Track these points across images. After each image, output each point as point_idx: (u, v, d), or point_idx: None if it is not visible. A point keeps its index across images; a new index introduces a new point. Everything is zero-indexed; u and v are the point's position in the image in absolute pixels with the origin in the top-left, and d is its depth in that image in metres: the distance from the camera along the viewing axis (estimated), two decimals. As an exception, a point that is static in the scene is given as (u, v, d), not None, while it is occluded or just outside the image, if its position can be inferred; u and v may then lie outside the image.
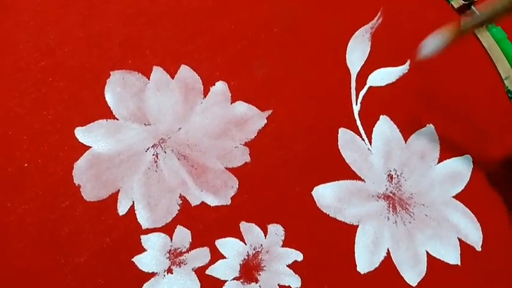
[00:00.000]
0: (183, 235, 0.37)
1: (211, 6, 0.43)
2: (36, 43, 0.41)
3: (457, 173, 0.40)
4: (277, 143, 0.40)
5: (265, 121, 0.40)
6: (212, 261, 0.37)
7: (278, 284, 0.37)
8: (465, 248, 0.39)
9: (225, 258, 0.37)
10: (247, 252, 0.38)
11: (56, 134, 0.38)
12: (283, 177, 0.39)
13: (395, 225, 0.39)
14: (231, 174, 0.39)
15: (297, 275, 0.37)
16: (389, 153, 0.41)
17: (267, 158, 0.40)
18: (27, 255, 0.36)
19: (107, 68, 0.40)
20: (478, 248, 0.39)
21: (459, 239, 0.39)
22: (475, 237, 0.39)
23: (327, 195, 0.39)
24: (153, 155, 0.39)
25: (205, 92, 0.41)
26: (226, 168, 0.39)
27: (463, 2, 0.44)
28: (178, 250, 0.37)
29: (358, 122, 0.41)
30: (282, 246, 0.38)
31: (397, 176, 0.40)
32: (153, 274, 0.36)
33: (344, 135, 0.41)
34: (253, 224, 0.38)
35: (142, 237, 0.37)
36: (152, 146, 0.39)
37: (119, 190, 0.38)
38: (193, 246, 0.37)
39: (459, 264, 0.39)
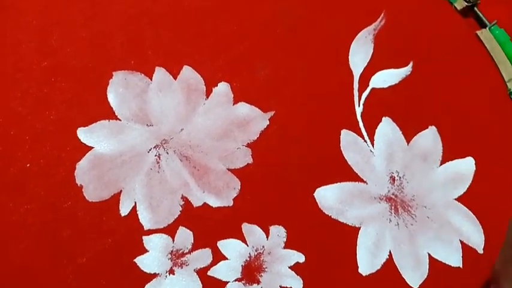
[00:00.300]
0: (185, 236, 0.37)
1: (214, 7, 0.43)
2: (38, 43, 0.41)
3: (459, 176, 0.40)
4: (279, 144, 0.40)
5: (268, 122, 0.40)
6: (214, 263, 0.37)
7: (280, 286, 0.37)
8: (467, 250, 0.39)
9: (227, 259, 0.37)
10: (249, 253, 0.38)
11: (58, 135, 0.38)
12: (285, 178, 0.39)
13: (397, 227, 0.39)
14: (233, 176, 0.39)
15: (298, 277, 0.37)
16: (392, 155, 0.41)
17: (269, 160, 0.40)
18: (28, 255, 0.36)
19: (110, 68, 0.40)
20: (480, 251, 0.39)
21: (461, 242, 0.39)
22: (477, 240, 0.39)
23: (329, 197, 0.39)
24: (156, 155, 0.39)
25: (208, 93, 0.41)
26: (228, 169, 0.39)
27: (466, 4, 0.44)
28: (180, 251, 0.37)
29: (361, 124, 0.41)
30: (284, 247, 0.38)
31: (399, 178, 0.40)
32: (155, 275, 0.36)
33: (346, 136, 0.41)
34: (255, 226, 0.38)
35: (144, 238, 0.37)
36: (154, 147, 0.39)
37: (121, 191, 0.38)
38: (195, 247, 0.37)
39: (461, 266, 0.39)
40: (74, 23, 0.41)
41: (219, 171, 0.39)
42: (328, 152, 0.40)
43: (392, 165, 0.40)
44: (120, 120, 0.39)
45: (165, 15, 0.42)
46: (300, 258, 0.38)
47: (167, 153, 0.39)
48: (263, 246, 0.38)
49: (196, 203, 0.38)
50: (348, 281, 0.38)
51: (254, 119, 0.40)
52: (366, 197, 0.40)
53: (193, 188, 0.38)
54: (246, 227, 0.38)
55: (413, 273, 0.38)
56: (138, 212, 0.37)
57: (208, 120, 0.40)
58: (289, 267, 0.37)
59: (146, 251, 0.37)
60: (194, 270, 0.37)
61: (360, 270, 0.38)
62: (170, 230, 0.37)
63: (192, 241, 0.37)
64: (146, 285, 0.36)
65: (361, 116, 0.41)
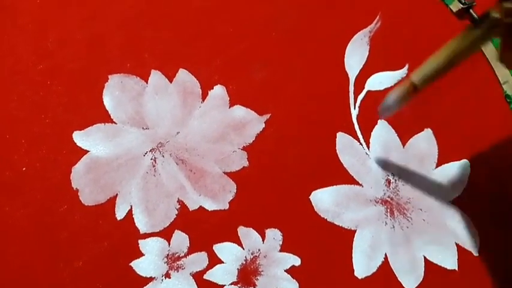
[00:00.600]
0: (181, 240, 0.37)
1: (210, 10, 0.43)
2: (35, 46, 0.41)
3: (454, 178, 0.40)
4: (275, 147, 0.40)
5: (264, 125, 0.40)
6: (210, 266, 0.37)
7: (276, 289, 0.37)
8: (462, 253, 0.39)
9: (223, 262, 0.37)
10: (245, 256, 0.38)
11: (54, 138, 0.38)
12: (281, 181, 0.39)
13: (393, 230, 0.39)
14: (229, 179, 0.39)
15: (294, 280, 0.37)
16: (388, 157, 0.41)
17: (265, 163, 0.40)
18: (25, 258, 0.36)
19: (106, 71, 0.40)
20: (475, 253, 0.39)
21: (456, 244, 0.39)
22: (472, 242, 0.39)
23: (325, 200, 0.39)
24: (151, 159, 0.39)
25: (204, 96, 0.41)
26: (224, 172, 0.39)
27: (462, 6, 0.44)
28: (176, 255, 0.37)
29: (356, 127, 0.41)
30: (280, 251, 0.38)
31: (395, 180, 0.40)
32: (151, 279, 0.36)
33: (342, 139, 0.41)
34: (251, 229, 0.38)
35: (140, 241, 0.37)
36: (150, 150, 0.39)
37: (117, 194, 0.38)
38: (191, 250, 0.37)
39: (456, 269, 0.39)
40: (70, 26, 0.41)
41: (215, 175, 0.39)
42: (324, 155, 0.40)
43: (388, 167, 0.40)
44: (116, 123, 0.39)
45: (161, 18, 0.42)
46: (296, 261, 0.38)
47: (163, 156, 0.39)
48: (259, 250, 0.38)
49: (192, 206, 0.38)
50: (343, 284, 0.38)
51: (250, 122, 0.40)
52: (362, 199, 0.40)
53: (189, 191, 0.38)
54: (242, 230, 0.38)
55: (409, 276, 0.38)
56: (134, 216, 0.37)
57: (204, 123, 0.40)
58: (285, 271, 0.38)
59: (142, 254, 0.37)
60: (190, 273, 0.37)
61: (355, 273, 0.38)
62: (166, 234, 0.37)
63: (188, 245, 0.37)
64: (142, 289, 0.36)
65: (357, 118, 0.41)
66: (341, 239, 0.39)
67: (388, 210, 0.40)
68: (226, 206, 0.38)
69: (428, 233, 0.39)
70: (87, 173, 0.38)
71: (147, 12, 0.42)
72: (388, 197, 0.40)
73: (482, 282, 0.38)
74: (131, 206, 0.38)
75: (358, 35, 0.43)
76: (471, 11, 0.44)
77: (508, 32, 0.30)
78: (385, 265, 0.38)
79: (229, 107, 0.41)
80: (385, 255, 0.38)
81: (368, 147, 0.41)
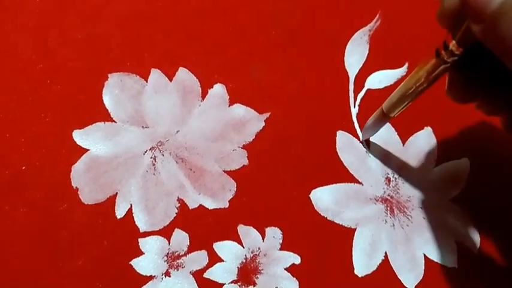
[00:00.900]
0: (180, 238, 0.37)
1: (210, 9, 0.43)
2: (35, 45, 0.41)
3: (454, 176, 0.40)
4: (275, 145, 0.40)
5: (263, 124, 0.40)
6: (210, 265, 0.37)
7: (276, 287, 0.37)
8: (462, 250, 0.39)
9: (223, 261, 0.37)
10: (245, 255, 0.38)
11: (54, 137, 0.38)
12: (281, 180, 0.39)
13: (393, 228, 0.39)
14: (229, 177, 0.39)
15: (294, 278, 0.37)
16: (387, 156, 0.41)
17: (265, 161, 0.40)
18: (24, 258, 0.36)
19: (105, 70, 0.40)
20: (475, 251, 0.39)
21: (456, 242, 0.39)
22: (472, 241, 0.39)
23: (325, 198, 0.39)
24: (151, 157, 0.39)
25: (203, 95, 0.41)
26: (224, 171, 0.39)
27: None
28: (176, 253, 0.37)
29: (356, 125, 0.41)
30: (280, 249, 0.38)
31: (395, 179, 0.40)
32: (151, 277, 0.36)
33: (342, 138, 0.41)
34: (251, 227, 0.38)
35: (140, 240, 0.37)
36: (150, 149, 0.39)
37: (116, 193, 0.38)
38: (191, 249, 0.37)
39: (456, 267, 0.39)
40: (70, 24, 0.41)
41: (214, 173, 0.39)
42: (323, 153, 0.40)
43: (387, 166, 0.40)
44: (115, 122, 0.39)
45: (160, 17, 0.42)
46: (296, 259, 0.38)
47: (163, 155, 0.39)
48: (259, 248, 0.38)
49: (192, 205, 0.38)
50: (343, 282, 0.38)
51: (250, 121, 0.40)
52: (362, 198, 0.40)
53: (189, 190, 0.38)
54: (241, 229, 0.38)
55: (409, 274, 0.38)
56: (133, 215, 0.37)
57: (204, 121, 0.40)
58: (285, 269, 0.38)
59: (142, 253, 0.37)
60: (190, 272, 0.37)
61: (355, 272, 0.38)
62: (166, 232, 0.37)
63: (188, 243, 0.37)
64: (142, 288, 0.36)
65: (357, 117, 0.41)
66: (341, 238, 0.39)
67: (388, 208, 0.40)
68: (226, 205, 0.38)
69: (428, 231, 0.39)
70: (87, 171, 0.38)
71: (147, 12, 0.42)
72: (388, 195, 0.40)
73: (482, 280, 0.38)
74: (131, 205, 0.38)
75: (358, 33, 0.43)
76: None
77: (451, 69, 0.30)
78: (385, 263, 0.38)
79: (229, 106, 0.41)
80: (385, 253, 0.38)
81: (368, 146, 0.41)
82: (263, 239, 0.38)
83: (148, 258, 0.37)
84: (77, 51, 0.41)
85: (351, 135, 0.41)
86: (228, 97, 0.41)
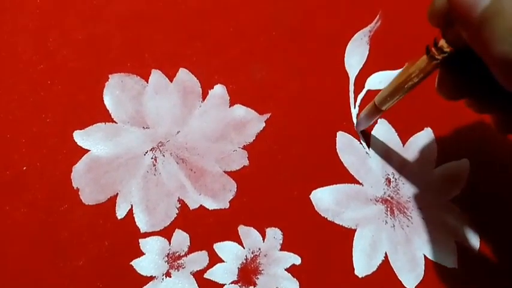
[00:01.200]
0: (181, 239, 0.37)
1: (210, 9, 0.43)
2: (35, 46, 0.41)
3: (454, 177, 0.41)
4: (275, 146, 0.40)
5: (264, 124, 0.41)
6: (210, 265, 0.37)
7: (276, 288, 0.37)
8: (462, 251, 0.39)
9: (223, 261, 0.37)
10: (246, 255, 0.38)
11: (55, 137, 0.38)
12: (282, 180, 0.40)
13: (393, 228, 0.39)
14: (230, 178, 0.39)
15: (294, 279, 0.38)
16: (388, 157, 0.41)
17: (266, 162, 0.40)
18: (25, 258, 0.36)
19: (106, 71, 0.40)
20: (475, 252, 0.39)
21: (456, 243, 0.39)
22: (472, 241, 0.39)
23: (325, 199, 0.39)
24: (152, 158, 0.39)
25: (204, 95, 0.41)
26: (224, 171, 0.39)
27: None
28: (177, 254, 0.37)
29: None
30: (280, 249, 0.38)
31: (395, 179, 0.40)
32: (151, 278, 0.37)
33: (342, 138, 0.41)
34: (252, 228, 0.38)
35: (141, 240, 0.37)
36: (151, 150, 0.39)
37: (117, 194, 0.38)
38: (191, 249, 0.37)
39: (456, 267, 0.39)
40: (70, 25, 0.41)
41: (215, 174, 0.39)
42: (324, 154, 0.40)
43: (388, 167, 0.41)
44: (116, 122, 0.39)
45: (161, 17, 0.42)
46: (296, 260, 0.38)
47: (163, 155, 0.39)
48: (259, 249, 0.38)
49: (193, 205, 0.38)
50: (344, 282, 0.38)
51: (250, 121, 0.40)
52: (362, 198, 0.40)
53: (189, 190, 0.38)
54: (242, 229, 0.38)
55: (409, 275, 0.38)
56: (134, 215, 0.37)
57: (204, 122, 0.40)
58: (285, 270, 0.38)
59: (143, 253, 0.37)
60: (190, 272, 0.37)
61: (356, 272, 0.38)
62: (166, 233, 0.37)
63: (189, 244, 0.37)
64: (143, 288, 0.36)
65: (357, 117, 0.41)
66: (341, 238, 0.39)
67: (388, 209, 0.40)
68: (227, 205, 0.38)
69: (428, 232, 0.39)
70: (87, 172, 0.38)
71: (147, 12, 0.42)
72: (388, 196, 0.40)
73: (483, 281, 0.38)
74: (132, 205, 0.38)
75: (358, 34, 0.43)
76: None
77: (441, 66, 0.31)
78: (385, 264, 0.38)
79: (230, 106, 0.41)
80: (385, 254, 0.39)
81: (368, 147, 0.41)
82: (263, 239, 0.38)
83: (149, 259, 0.37)
84: (77, 51, 0.41)
85: (351, 136, 0.41)
86: (229, 98, 0.41)
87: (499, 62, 0.24)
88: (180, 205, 0.38)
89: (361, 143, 0.41)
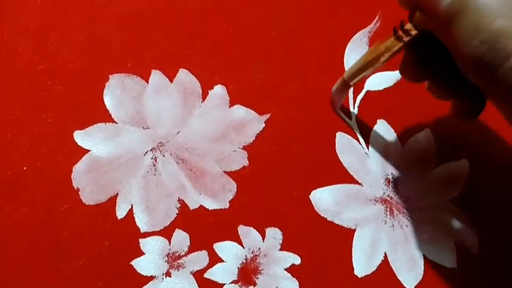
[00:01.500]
0: (181, 239, 0.37)
1: (210, 10, 0.43)
2: (35, 46, 0.41)
3: (453, 177, 0.41)
4: (275, 146, 0.40)
5: (264, 125, 0.41)
6: (210, 265, 0.37)
7: (276, 287, 0.37)
8: (461, 251, 0.39)
9: (223, 261, 0.37)
10: (245, 255, 0.38)
11: (55, 138, 0.38)
12: (281, 180, 0.40)
13: (393, 228, 0.39)
14: (230, 178, 0.39)
15: (294, 279, 0.38)
16: (387, 157, 0.41)
17: (265, 162, 0.40)
18: (25, 258, 0.36)
19: (106, 71, 0.40)
20: (475, 252, 0.39)
21: (455, 243, 0.39)
22: (471, 241, 0.39)
23: (325, 199, 0.39)
24: (152, 158, 0.39)
25: (204, 96, 0.41)
26: (224, 171, 0.39)
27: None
28: (177, 253, 0.37)
29: (356, 126, 0.41)
30: (280, 249, 0.38)
31: (394, 180, 0.40)
32: (151, 277, 0.37)
33: (341, 139, 0.41)
34: (252, 228, 0.38)
35: (141, 240, 0.37)
36: (151, 150, 0.39)
37: (117, 194, 0.38)
38: (191, 249, 0.37)
39: (455, 267, 0.39)
40: (71, 26, 0.41)
41: (215, 174, 0.39)
42: (323, 155, 0.41)
43: (387, 167, 0.41)
44: (116, 123, 0.39)
45: (161, 18, 0.42)
46: (296, 260, 0.38)
47: (163, 156, 0.39)
48: (259, 249, 0.38)
49: (193, 205, 0.38)
50: (343, 282, 0.38)
51: (250, 122, 0.41)
52: (362, 198, 0.40)
53: (189, 190, 0.38)
54: (242, 229, 0.38)
55: (409, 275, 0.38)
56: (134, 215, 0.38)
57: (204, 123, 0.40)
58: (285, 269, 0.38)
59: (143, 253, 0.37)
60: (190, 272, 0.37)
61: (355, 272, 0.38)
62: (167, 233, 0.37)
63: (189, 243, 0.37)
64: (143, 288, 0.36)
65: (356, 118, 0.42)
66: (341, 238, 0.39)
67: (388, 209, 0.40)
68: (227, 205, 0.39)
69: (427, 232, 0.39)
70: (88, 172, 0.38)
71: (147, 13, 0.42)
72: (388, 196, 0.40)
73: (482, 281, 0.39)
74: (132, 205, 0.38)
75: (358, 35, 0.44)
76: None
77: (407, 48, 0.32)
78: (385, 264, 0.38)
79: (230, 107, 0.41)
80: (385, 253, 0.39)
81: (367, 147, 0.41)
82: (263, 239, 0.38)
83: (149, 259, 0.37)
84: (77, 52, 0.41)
85: (350, 137, 0.41)
86: (229, 98, 0.41)
87: (464, 60, 0.26)
88: (180, 205, 0.38)
89: (360, 144, 0.41)
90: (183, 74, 0.41)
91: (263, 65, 0.42)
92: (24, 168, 0.38)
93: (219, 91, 0.41)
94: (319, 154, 0.40)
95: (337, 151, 0.41)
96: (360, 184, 0.40)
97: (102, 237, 0.37)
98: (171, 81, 0.41)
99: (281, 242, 0.38)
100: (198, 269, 0.37)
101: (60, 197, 0.37)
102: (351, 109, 0.42)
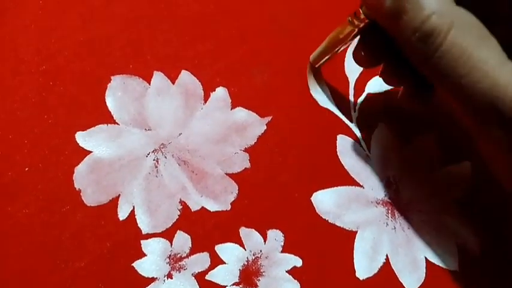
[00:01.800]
0: (183, 240, 0.37)
1: (213, 12, 0.43)
2: (37, 47, 0.41)
3: (455, 180, 0.41)
4: (276, 149, 0.40)
5: (265, 127, 0.41)
6: (212, 267, 0.37)
7: (277, 290, 0.37)
8: (464, 253, 0.39)
9: (225, 263, 0.37)
10: (247, 257, 0.38)
11: (57, 139, 0.38)
12: (283, 183, 0.40)
13: (394, 231, 0.39)
14: (231, 180, 0.39)
15: (295, 281, 0.38)
16: (388, 159, 0.41)
17: (267, 164, 0.40)
18: (26, 259, 0.36)
19: (108, 72, 0.40)
20: (477, 254, 0.39)
21: (457, 245, 0.39)
22: (474, 243, 0.40)
23: (326, 201, 0.40)
24: (154, 160, 0.39)
25: (206, 98, 0.41)
26: (226, 173, 0.39)
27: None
28: (178, 255, 0.37)
29: (356, 129, 0.42)
30: (281, 251, 0.38)
31: (396, 182, 0.41)
32: (153, 279, 0.36)
33: (343, 141, 0.41)
34: (253, 230, 0.38)
35: (143, 242, 0.37)
36: (153, 151, 0.39)
37: (119, 195, 0.38)
38: (193, 251, 0.37)
39: (457, 270, 0.39)
40: (73, 27, 0.41)
41: (217, 176, 0.39)
42: (324, 157, 0.41)
43: (388, 169, 0.41)
44: (118, 124, 0.39)
45: (163, 19, 0.42)
46: (298, 262, 0.38)
47: (165, 157, 0.39)
48: (261, 251, 0.38)
49: (194, 207, 0.38)
50: (345, 285, 0.38)
51: (252, 124, 0.41)
52: (363, 201, 0.40)
53: (191, 192, 0.38)
54: (243, 231, 0.38)
55: (410, 277, 0.38)
56: (136, 216, 0.37)
57: (206, 124, 0.40)
58: (286, 271, 0.38)
59: (144, 255, 0.37)
60: (192, 274, 0.37)
61: (357, 275, 0.38)
62: (168, 234, 0.37)
63: (190, 245, 0.37)
64: (144, 289, 0.36)
65: (357, 121, 0.42)
66: (342, 240, 0.39)
67: (389, 211, 0.40)
68: (228, 207, 0.38)
69: (429, 234, 0.39)
70: (89, 173, 0.38)
71: (149, 14, 0.42)
72: (389, 198, 0.40)
73: (484, 283, 0.39)
74: (133, 207, 0.38)
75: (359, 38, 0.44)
76: None
77: (360, 34, 0.36)
78: (387, 266, 0.38)
79: (231, 109, 0.41)
80: (386, 256, 0.39)
81: (369, 149, 0.41)
82: (265, 241, 0.38)
83: (151, 260, 0.37)
84: (79, 53, 0.41)
85: (351, 139, 0.41)
86: (230, 100, 0.41)
87: (406, 51, 0.31)
88: (181, 207, 0.38)
89: (361, 146, 0.41)
90: (185, 76, 0.41)
91: (265, 68, 0.42)
92: (26, 169, 0.37)
93: (220, 93, 0.41)
94: (321, 156, 0.41)
95: (338, 153, 0.41)
96: (361, 186, 0.40)
97: (104, 239, 0.37)
98: (173, 83, 0.41)
99: (282, 244, 0.38)
100: (200, 270, 0.37)
101: (61, 198, 0.37)
102: (352, 112, 0.42)
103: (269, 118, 0.41)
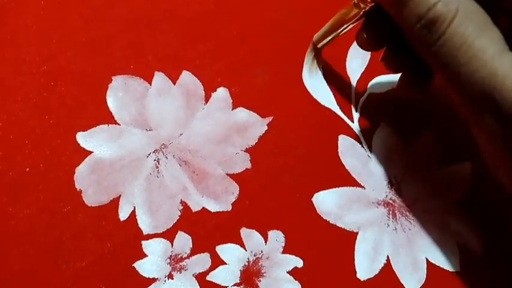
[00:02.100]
0: (183, 241, 0.37)
1: (214, 12, 0.43)
2: (38, 47, 0.41)
3: (457, 180, 0.41)
4: (277, 149, 0.40)
5: (266, 128, 0.41)
6: (213, 267, 0.37)
7: (278, 290, 0.37)
8: (465, 254, 0.39)
9: (226, 264, 0.37)
10: (248, 258, 0.38)
11: (58, 139, 0.38)
12: (284, 183, 0.40)
13: (395, 232, 0.39)
14: (232, 180, 0.39)
15: (296, 282, 0.38)
16: (389, 160, 0.41)
17: (268, 165, 0.40)
18: (27, 259, 0.36)
19: (109, 73, 0.40)
20: (478, 255, 0.39)
21: (459, 246, 0.39)
22: (475, 244, 0.39)
23: (327, 202, 0.39)
24: (155, 160, 0.39)
25: (207, 98, 0.41)
26: (227, 174, 0.39)
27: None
28: (179, 256, 0.37)
29: (358, 129, 0.41)
30: (282, 252, 0.38)
31: (397, 182, 0.40)
32: (153, 280, 0.36)
33: (344, 142, 0.41)
34: (254, 230, 0.38)
35: (143, 242, 0.37)
36: (154, 152, 0.39)
37: (120, 195, 0.38)
38: (194, 251, 0.37)
39: (459, 270, 0.39)
40: (74, 27, 0.41)
41: (217, 176, 0.39)
42: (326, 157, 0.41)
43: (390, 169, 0.41)
44: (119, 124, 0.39)
45: (164, 20, 0.42)
46: (298, 263, 0.38)
47: (166, 158, 0.39)
48: (261, 251, 0.38)
49: (195, 207, 0.38)
50: (346, 285, 0.38)
51: (253, 124, 0.41)
52: (364, 201, 0.40)
53: (192, 192, 0.38)
54: (244, 232, 0.38)
55: (411, 278, 0.38)
56: (137, 217, 0.37)
57: (207, 125, 0.40)
58: (287, 272, 0.38)
59: (145, 255, 0.37)
60: (193, 275, 0.37)
61: (358, 275, 0.38)
62: (169, 235, 0.37)
63: (191, 246, 0.37)
64: (145, 290, 0.36)
65: (359, 121, 0.42)
66: (343, 241, 0.39)
67: (390, 212, 0.40)
68: (229, 208, 0.38)
69: (430, 235, 0.39)
70: (90, 173, 0.38)
71: (151, 15, 0.42)
72: (390, 199, 0.40)
73: (485, 284, 0.39)
74: (134, 207, 0.38)
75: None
76: None
77: (365, 16, 0.36)
78: (388, 267, 0.38)
79: (232, 109, 0.41)
80: (388, 257, 0.39)
81: (370, 150, 0.41)
82: (266, 242, 0.38)
83: (152, 261, 0.37)
84: (80, 53, 0.41)
85: (352, 140, 0.41)
86: (231, 101, 0.41)
87: (410, 38, 0.31)
88: (182, 207, 0.38)
89: (362, 147, 0.41)
90: (186, 76, 0.41)
91: (266, 68, 0.42)
92: (27, 169, 0.38)
93: (221, 93, 0.41)
94: (322, 157, 0.40)
95: (339, 154, 0.41)
96: (362, 187, 0.40)
97: (105, 239, 0.37)
98: (174, 84, 0.41)
99: (283, 244, 0.38)
100: (201, 271, 0.37)
101: (62, 198, 0.37)
102: (353, 112, 0.42)
103: (270, 118, 0.41)
